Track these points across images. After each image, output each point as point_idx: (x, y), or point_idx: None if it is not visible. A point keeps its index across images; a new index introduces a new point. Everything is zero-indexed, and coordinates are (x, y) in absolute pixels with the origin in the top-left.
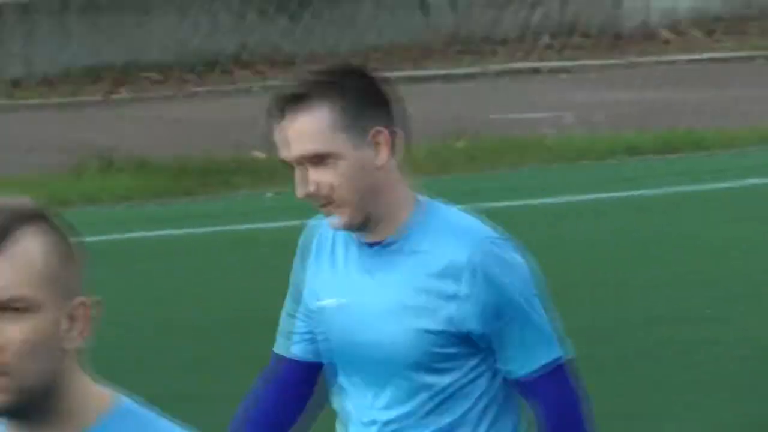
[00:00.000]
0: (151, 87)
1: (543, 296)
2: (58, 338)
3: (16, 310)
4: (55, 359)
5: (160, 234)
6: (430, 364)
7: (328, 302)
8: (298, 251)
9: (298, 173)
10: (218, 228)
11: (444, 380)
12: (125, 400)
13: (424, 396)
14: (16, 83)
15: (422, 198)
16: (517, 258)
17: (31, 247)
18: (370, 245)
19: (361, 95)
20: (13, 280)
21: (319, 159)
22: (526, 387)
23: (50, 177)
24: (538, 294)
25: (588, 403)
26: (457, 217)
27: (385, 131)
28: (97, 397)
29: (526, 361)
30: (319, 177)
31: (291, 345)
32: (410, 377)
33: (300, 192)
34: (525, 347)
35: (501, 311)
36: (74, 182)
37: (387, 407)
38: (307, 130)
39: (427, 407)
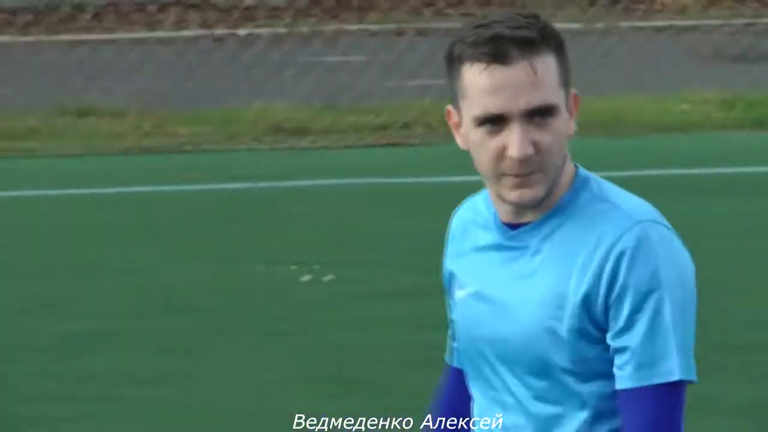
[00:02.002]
0: None
1: (691, 304)
2: None
3: None
4: None
5: None
6: (570, 366)
7: (464, 292)
8: (446, 241)
9: (519, 129)
10: None
11: (587, 388)
12: None
13: (563, 409)
14: None
15: (580, 171)
16: (677, 250)
17: None
18: (513, 226)
19: (566, 53)
20: None
21: (543, 114)
22: (626, 400)
23: None
24: (688, 299)
25: None
26: (613, 194)
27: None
28: None
29: (639, 371)
30: (538, 136)
31: (450, 352)
32: (547, 381)
33: (523, 150)
34: (645, 355)
35: (637, 304)
36: None
37: (518, 422)
38: (542, 79)
39: (570, 425)
